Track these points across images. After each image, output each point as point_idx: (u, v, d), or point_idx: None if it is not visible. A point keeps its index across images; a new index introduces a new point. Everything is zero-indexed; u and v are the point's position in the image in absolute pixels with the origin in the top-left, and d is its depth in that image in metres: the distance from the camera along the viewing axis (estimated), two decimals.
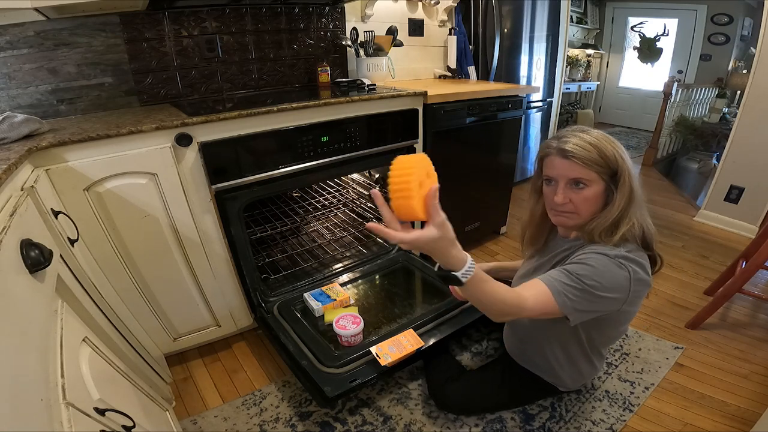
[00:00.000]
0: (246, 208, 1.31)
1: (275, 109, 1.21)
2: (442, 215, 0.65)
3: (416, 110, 1.54)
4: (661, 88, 3.55)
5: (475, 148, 1.88)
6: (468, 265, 0.71)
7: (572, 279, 0.84)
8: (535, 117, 2.94)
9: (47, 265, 0.60)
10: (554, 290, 0.83)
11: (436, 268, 0.75)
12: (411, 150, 1.60)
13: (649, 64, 5.01)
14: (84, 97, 1.38)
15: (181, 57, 1.51)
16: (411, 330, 1.23)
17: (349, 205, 2.02)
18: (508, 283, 1.23)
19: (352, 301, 1.45)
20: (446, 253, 0.69)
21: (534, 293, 0.84)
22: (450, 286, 0.82)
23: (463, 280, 0.71)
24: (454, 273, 0.71)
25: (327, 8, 1.77)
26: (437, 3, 2.08)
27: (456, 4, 2.14)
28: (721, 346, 1.46)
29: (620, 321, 0.99)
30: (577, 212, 0.91)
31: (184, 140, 1.10)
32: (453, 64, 2.23)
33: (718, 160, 2.47)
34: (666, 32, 4.74)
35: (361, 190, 2.01)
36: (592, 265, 0.85)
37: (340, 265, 1.69)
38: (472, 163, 1.90)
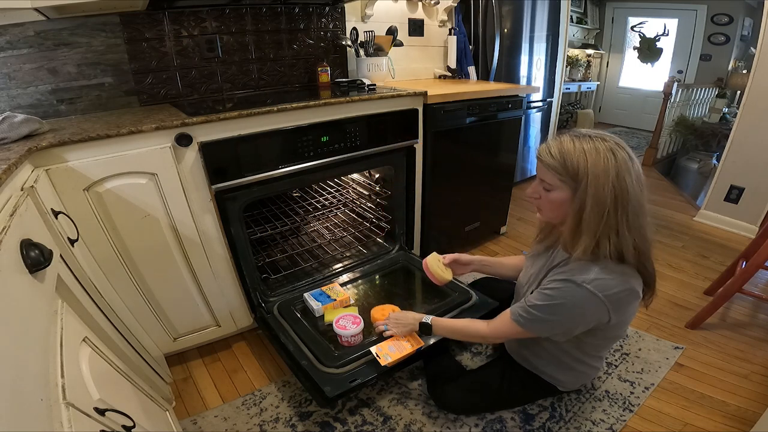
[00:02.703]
0: (246, 208, 1.31)
1: (275, 109, 1.21)
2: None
3: (416, 110, 1.54)
4: (661, 88, 3.55)
5: (475, 148, 1.88)
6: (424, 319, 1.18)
7: (526, 310, 0.97)
8: (535, 117, 2.94)
9: (47, 265, 0.60)
10: (513, 315, 1.00)
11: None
12: (411, 150, 1.60)
13: (649, 64, 5.01)
14: (84, 97, 1.38)
15: (181, 57, 1.51)
16: None
17: (349, 205, 2.02)
18: (508, 283, 1.28)
19: (352, 301, 1.45)
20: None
21: (498, 322, 1.05)
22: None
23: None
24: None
25: (327, 8, 1.77)
26: (437, 3, 2.08)
27: (456, 4, 2.14)
28: (721, 346, 1.46)
29: (613, 329, 0.99)
30: (542, 209, 0.97)
31: (184, 140, 1.10)
32: (453, 64, 2.23)
33: (718, 160, 2.47)
34: (666, 32, 4.75)
35: (361, 190, 2.01)
36: (551, 294, 0.92)
37: (340, 265, 1.69)
38: (472, 163, 1.90)
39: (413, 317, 1.19)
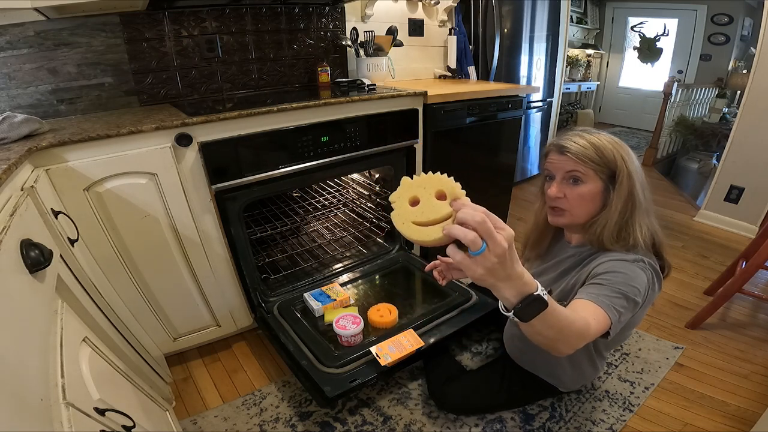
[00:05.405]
0: (246, 208, 1.31)
1: (275, 109, 1.21)
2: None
3: (416, 110, 1.54)
4: (661, 88, 3.55)
5: (475, 148, 1.88)
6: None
7: (613, 291, 0.79)
8: (535, 117, 2.95)
9: (47, 265, 0.60)
10: (605, 306, 0.76)
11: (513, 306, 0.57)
12: (411, 150, 1.60)
13: (649, 64, 5.01)
14: (84, 97, 1.38)
15: (181, 57, 1.51)
16: (411, 330, 1.23)
17: (349, 205, 2.02)
18: None
19: (352, 301, 1.44)
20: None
21: (592, 315, 0.73)
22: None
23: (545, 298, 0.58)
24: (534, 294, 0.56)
25: (327, 8, 1.77)
26: (437, 3, 2.08)
27: (456, 4, 2.14)
28: (721, 346, 1.46)
29: (628, 326, 0.97)
30: (570, 209, 0.91)
31: (184, 140, 1.10)
32: (453, 64, 2.23)
33: (718, 160, 2.47)
34: (666, 32, 4.75)
35: (361, 190, 2.01)
36: (621, 271, 0.82)
37: (340, 265, 1.69)
38: (472, 163, 1.90)
39: (518, 277, 0.54)
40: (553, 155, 0.91)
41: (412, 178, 0.54)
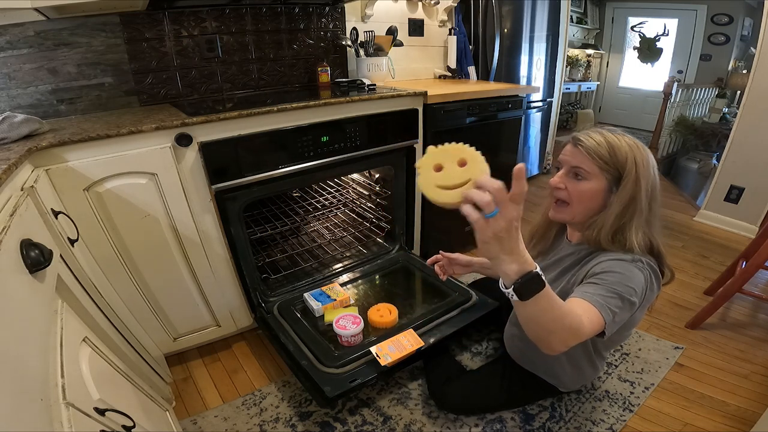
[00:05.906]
0: (246, 208, 1.31)
1: (275, 109, 1.21)
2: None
3: (416, 110, 1.54)
4: (661, 88, 3.55)
5: (475, 148, 1.88)
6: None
7: (609, 290, 0.79)
8: (535, 117, 2.94)
9: (47, 265, 0.60)
10: (598, 305, 0.76)
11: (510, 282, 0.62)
12: (411, 150, 1.60)
13: (649, 64, 5.01)
14: (84, 97, 1.38)
15: (181, 57, 1.51)
16: (411, 330, 1.24)
17: (349, 205, 2.02)
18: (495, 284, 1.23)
19: (352, 301, 1.45)
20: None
21: (586, 314, 0.74)
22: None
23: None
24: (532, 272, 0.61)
25: (327, 8, 1.77)
26: (437, 3, 2.08)
27: (456, 4, 2.14)
28: (721, 346, 1.46)
29: (627, 326, 0.96)
30: (570, 203, 0.91)
31: (184, 140, 1.10)
32: (453, 64, 2.22)
33: (718, 160, 2.47)
34: (666, 32, 4.75)
35: (361, 190, 2.01)
36: (618, 271, 0.82)
37: (340, 265, 1.69)
38: None
39: (521, 254, 0.59)
40: (568, 146, 0.92)
41: (437, 147, 0.59)
